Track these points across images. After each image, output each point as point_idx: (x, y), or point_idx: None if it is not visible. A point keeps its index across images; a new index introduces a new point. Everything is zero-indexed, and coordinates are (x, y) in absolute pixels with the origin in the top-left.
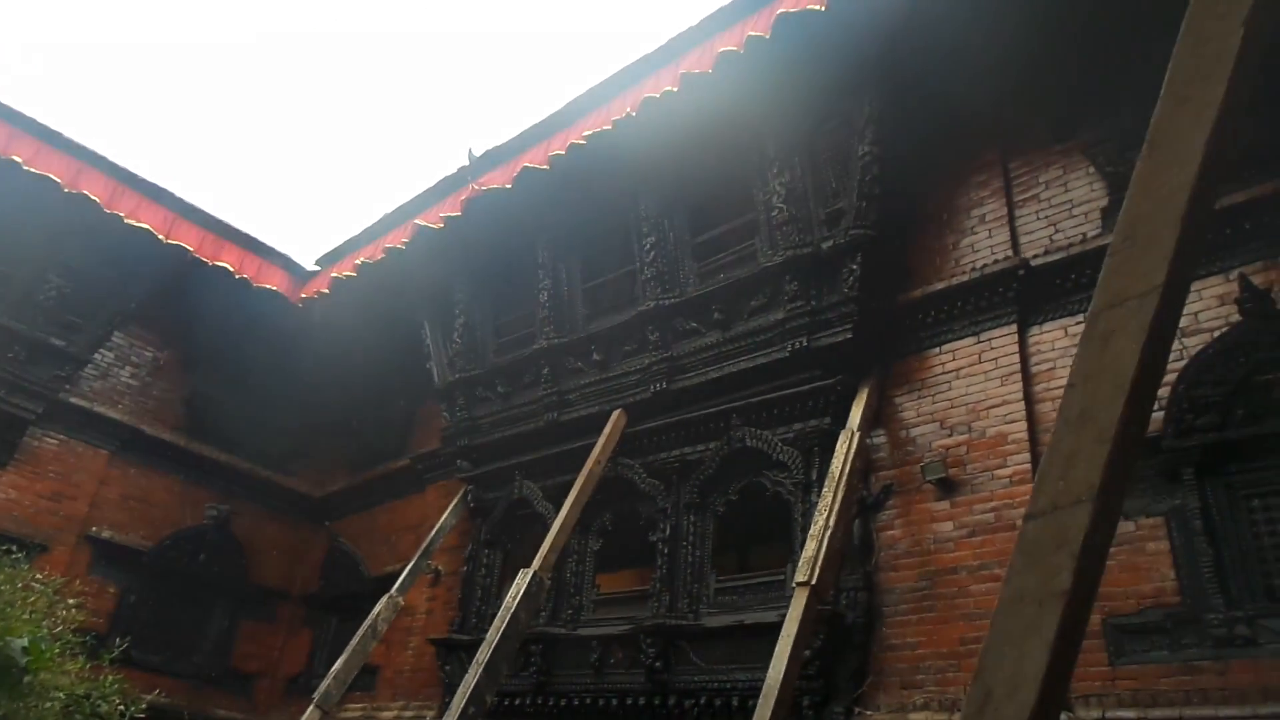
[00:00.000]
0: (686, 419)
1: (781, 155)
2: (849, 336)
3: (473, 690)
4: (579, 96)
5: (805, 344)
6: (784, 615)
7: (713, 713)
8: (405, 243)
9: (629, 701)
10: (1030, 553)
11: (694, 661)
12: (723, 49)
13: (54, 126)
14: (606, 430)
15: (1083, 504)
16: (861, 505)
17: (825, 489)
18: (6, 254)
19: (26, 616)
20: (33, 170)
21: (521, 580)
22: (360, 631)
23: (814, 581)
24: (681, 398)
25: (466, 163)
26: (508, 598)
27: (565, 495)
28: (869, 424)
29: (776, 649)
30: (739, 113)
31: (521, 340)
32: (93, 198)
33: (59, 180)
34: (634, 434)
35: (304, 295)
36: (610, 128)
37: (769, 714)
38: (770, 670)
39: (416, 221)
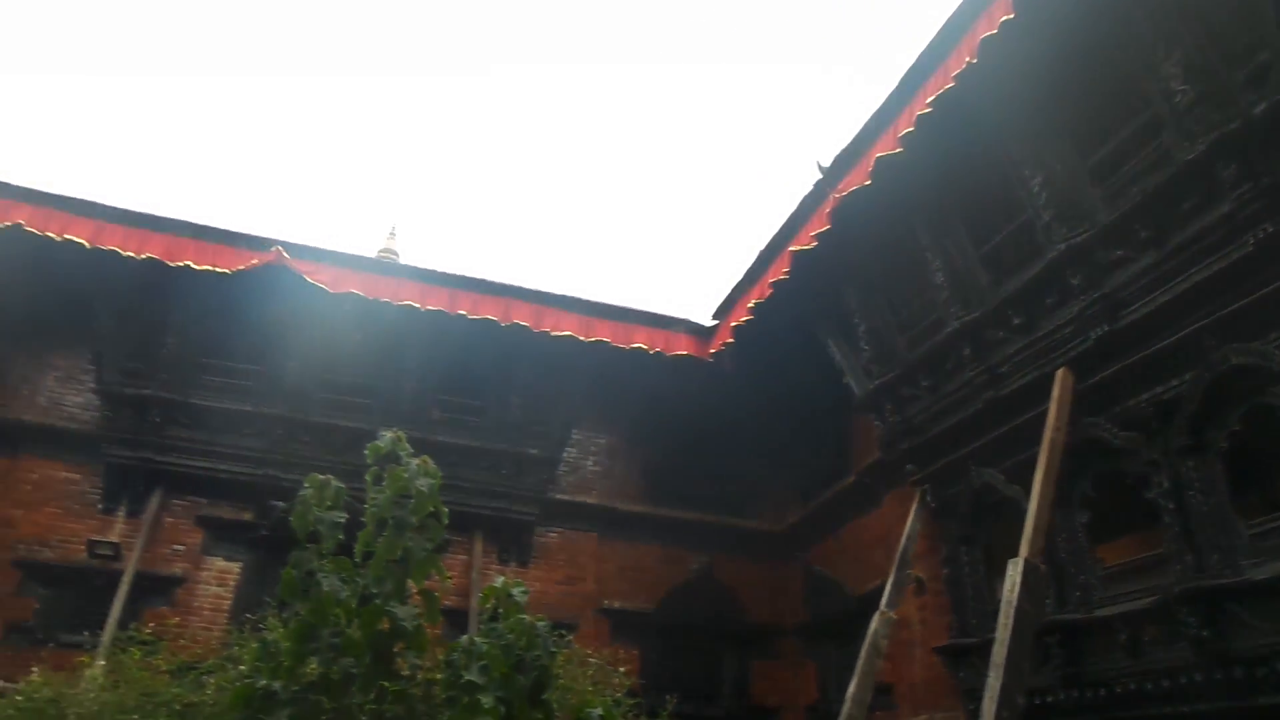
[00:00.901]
0: (1146, 356)
1: (1164, 32)
2: None
3: (1000, 693)
4: (910, 67)
5: (1271, 229)
6: None
7: None
8: (786, 272)
9: (1181, 680)
10: None
11: (1250, 623)
12: None
13: (481, 276)
14: (1055, 393)
15: None
16: None
17: None
18: (476, 389)
19: (590, 688)
20: (474, 317)
21: (1014, 571)
22: (863, 652)
23: None
24: (1131, 335)
25: (819, 175)
26: (1005, 592)
27: (1030, 473)
28: None
29: None
30: (1095, 7)
31: (930, 328)
32: (523, 324)
33: (495, 319)
34: (1087, 389)
35: (712, 350)
36: (954, 84)
37: None
38: None
39: (791, 249)
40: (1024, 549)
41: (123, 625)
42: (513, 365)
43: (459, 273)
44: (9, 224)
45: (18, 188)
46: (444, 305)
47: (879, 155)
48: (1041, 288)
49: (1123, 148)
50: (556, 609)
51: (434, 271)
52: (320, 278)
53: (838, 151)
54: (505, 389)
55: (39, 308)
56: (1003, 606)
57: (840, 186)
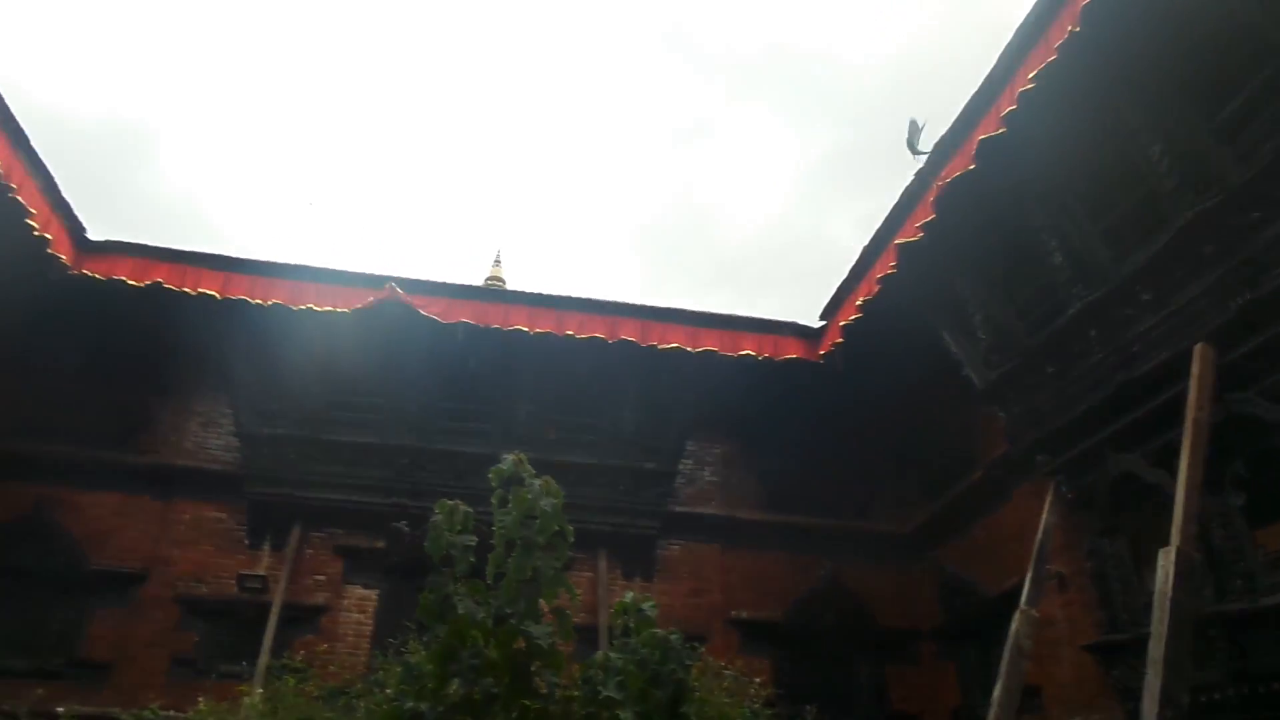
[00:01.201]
0: None
1: None
2: None
3: (1161, 692)
4: (1008, 43)
5: None
6: None
7: None
8: (894, 266)
9: None
10: None
11: None
12: None
13: (586, 295)
14: (1195, 370)
15: None
16: None
17: None
18: (589, 407)
19: (727, 700)
20: (581, 336)
21: (1166, 561)
22: (1006, 653)
23: None
24: (1276, 301)
25: (920, 165)
26: (1157, 584)
27: (1174, 457)
28: None
29: None
30: None
31: (1050, 312)
32: (630, 339)
33: (603, 336)
34: (1230, 363)
35: (822, 352)
36: (1056, 56)
37: None
38: None
39: (896, 242)
40: (1175, 537)
41: (275, 654)
42: (623, 381)
43: (564, 294)
44: (149, 282)
45: (154, 248)
46: (552, 327)
47: (982, 137)
48: (1171, 259)
49: (1250, 103)
50: (684, 622)
51: (540, 294)
52: (432, 309)
53: (938, 137)
54: (618, 405)
55: (179, 358)
56: (1156, 599)
57: (943, 174)
